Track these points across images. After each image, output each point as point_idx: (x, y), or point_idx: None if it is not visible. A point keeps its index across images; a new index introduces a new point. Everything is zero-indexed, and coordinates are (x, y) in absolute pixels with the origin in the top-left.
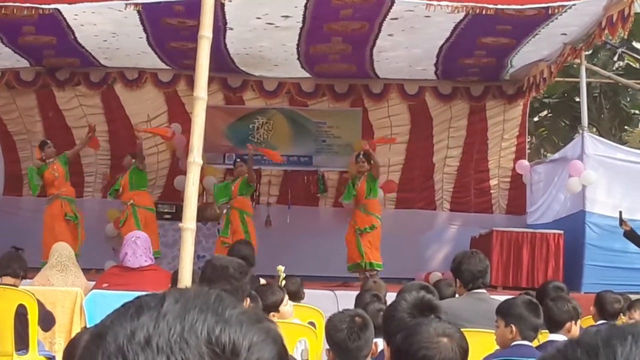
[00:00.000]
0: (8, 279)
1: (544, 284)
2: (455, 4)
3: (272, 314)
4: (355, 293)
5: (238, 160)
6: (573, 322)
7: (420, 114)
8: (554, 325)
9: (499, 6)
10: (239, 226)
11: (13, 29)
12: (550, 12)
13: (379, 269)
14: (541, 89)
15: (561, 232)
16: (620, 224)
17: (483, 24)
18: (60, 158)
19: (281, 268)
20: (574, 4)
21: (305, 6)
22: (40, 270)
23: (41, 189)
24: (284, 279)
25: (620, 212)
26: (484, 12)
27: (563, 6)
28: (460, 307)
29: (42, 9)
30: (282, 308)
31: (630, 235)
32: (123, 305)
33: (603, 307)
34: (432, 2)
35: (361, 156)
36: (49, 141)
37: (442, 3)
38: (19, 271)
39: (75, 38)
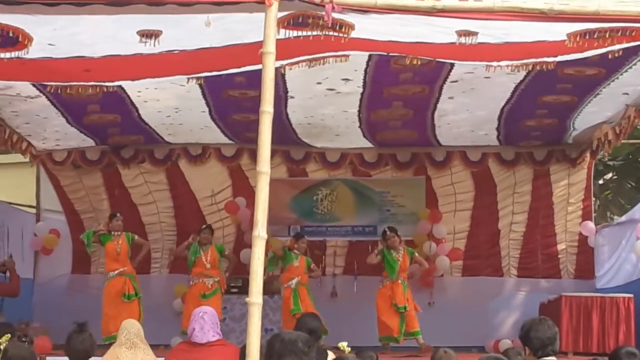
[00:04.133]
0: None
1: (616, 349)
2: (514, 62)
3: None
4: None
5: (303, 235)
6: None
7: (484, 181)
8: None
9: (559, 58)
10: (309, 301)
11: (78, 109)
12: (611, 70)
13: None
14: (606, 151)
15: (631, 295)
16: None
17: (544, 83)
18: (127, 235)
19: (344, 344)
20: (634, 64)
21: (365, 70)
22: (110, 348)
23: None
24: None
25: None
26: (544, 68)
27: (625, 49)
28: None
29: (107, 86)
30: None
31: None
32: None
33: None
34: (491, 62)
35: (389, 232)
36: (118, 214)
37: (501, 63)
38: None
39: (139, 115)
